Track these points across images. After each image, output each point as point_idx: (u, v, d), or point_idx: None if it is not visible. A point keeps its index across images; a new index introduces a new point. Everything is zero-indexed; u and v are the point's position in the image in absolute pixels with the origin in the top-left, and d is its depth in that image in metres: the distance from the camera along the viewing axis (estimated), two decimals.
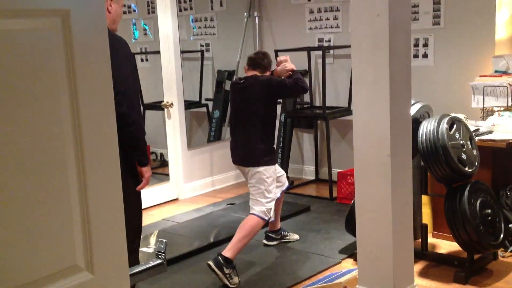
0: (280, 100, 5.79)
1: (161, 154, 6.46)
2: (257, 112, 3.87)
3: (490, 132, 4.14)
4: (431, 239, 4.22)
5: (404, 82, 3.00)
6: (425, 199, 4.28)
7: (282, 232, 4.38)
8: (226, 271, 3.63)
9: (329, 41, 5.97)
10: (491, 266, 3.80)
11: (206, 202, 5.66)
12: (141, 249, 3.59)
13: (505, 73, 4.57)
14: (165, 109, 5.72)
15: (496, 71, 4.64)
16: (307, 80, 5.90)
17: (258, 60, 4.00)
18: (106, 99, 1.27)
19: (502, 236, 3.70)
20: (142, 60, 6.72)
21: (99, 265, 1.26)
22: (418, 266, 3.80)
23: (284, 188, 4.17)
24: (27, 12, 1.13)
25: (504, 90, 4.37)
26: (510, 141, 3.93)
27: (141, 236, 3.19)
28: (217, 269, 3.61)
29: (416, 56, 5.24)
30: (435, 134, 3.61)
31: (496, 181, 4.09)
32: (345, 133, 5.97)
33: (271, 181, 3.87)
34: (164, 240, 1.86)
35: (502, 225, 3.75)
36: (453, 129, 3.69)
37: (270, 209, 3.87)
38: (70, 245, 1.21)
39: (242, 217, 4.21)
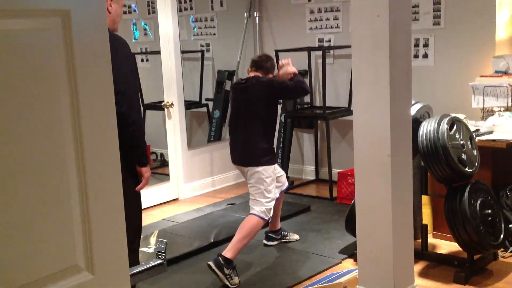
0: (281, 101, 5.79)
1: (161, 154, 6.47)
2: (258, 113, 3.87)
3: (490, 132, 4.14)
4: (431, 239, 4.23)
5: (404, 82, 3.00)
6: (425, 199, 4.29)
7: (282, 232, 4.39)
8: (226, 271, 3.63)
9: (329, 41, 5.97)
10: (491, 266, 3.80)
11: (206, 202, 5.66)
12: (141, 249, 3.59)
13: (505, 73, 4.57)
14: (165, 109, 5.72)
15: (496, 72, 4.64)
16: (307, 80, 5.91)
17: (261, 62, 4.02)
18: (107, 99, 1.27)
19: (502, 236, 3.70)
20: (142, 60, 6.72)
21: (99, 265, 1.26)
22: (418, 266, 3.80)
23: (283, 188, 4.17)
24: (27, 12, 1.13)
25: (504, 90, 4.37)
26: (510, 141, 3.93)
27: (141, 236, 3.19)
28: (217, 270, 3.62)
29: (416, 56, 5.24)
30: (435, 134, 3.61)
31: (496, 181, 4.09)
32: (345, 133, 5.97)
33: (270, 181, 3.87)
34: (164, 240, 1.86)
35: (502, 225, 3.75)
36: (453, 129, 3.69)
37: (270, 209, 3.87)
38: (70, 245, 1.21)
39: (242, 217, 4.21)
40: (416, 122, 3.69)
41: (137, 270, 1.76)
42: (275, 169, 3.98)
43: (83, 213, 1.23)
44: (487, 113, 4.48)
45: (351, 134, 3.20)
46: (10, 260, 1.11)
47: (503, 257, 3.91)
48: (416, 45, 5.24)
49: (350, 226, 3.99)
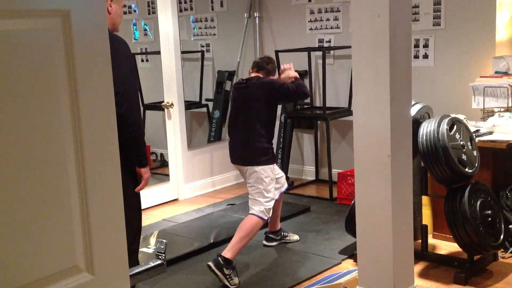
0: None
1: (161, 155, 6.46)
2: (258, 112, 3.87)
3: (490, 133, 4.14)
4: (431, 240, 4.23)
5: (404, 82, 3.00)
6: (425, 199, 4.28)
7: (282, 233, 4.38)
8: (226, 271, 3.63)
9: (330, 41, 5.97)
10: (491, 267, 3.80)
11: (206, 202, 5.66)
12: (141, 249, 3.59)
13: (506, 74, 4.56)
14: (165, 110, 5.72)
15: (496, 72, 4.64)
16: (307, 81, 5.91)
17: (263, 64, 4.03)
18: (107, 100, 1.27)
19: (502, 237, 3.69)
20: (142, 60, 6.72)
21: (99, 266, 1.26)
22: (418, 267, 3.79)
23: (283, 189, 4.17)
24: (27, 12, 1.12)
25: (504, 91, 4.37)
26: (511, 142, 3.93)
27: (141, 237, 3.18)
28: (217, 270, 3.61)
29: (416, 57, 5.24)
30: (436, 134, 3.61)
31: (496, 182, 4.09)
32: (345, 133, 5.97)
33: (269, 180, 3.87)
34: (164, 241, 1.86)
35: (502, 226, 3.74)
36: (454, 130, 3.69)
37: (270, 209, 3.87)
38: (70, 246, 1.21)
39: (242, 217, 4.20)
40: (416, 123, 3.69)
41: (137, 270, 1.76)
42: (274, 169, 3.98)
43: (82, 214, 1.23)
44: (487, 113, 4.48)
45: (351, 135, 3.20)
46: (10, 261, 1.11)
47: (503, 257, 3.91)
48: (416, 46, 5.24)
49: (350, 227, 3.99)
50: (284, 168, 5.97)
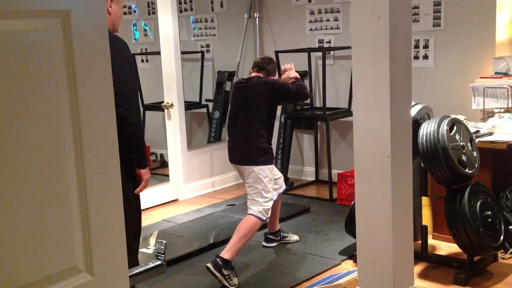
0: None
1: (161, 155, 6.46)
2: (258, 112, 3.87)
3: (490, 133, 4.14)
4: (431, 241, 4.23)
5: (404, 83, 3.00)
6: (425, 200, 4.28)
7: (282, 234, 4.38)
8: (225, 272, 3.62)
9: (330, 42, 5.97)
10: (491, 268, 3.80)
11: (206, 203, 5.66)
12: (140, 250, 3.58)
13: (506, 74, 4.56)
14: (165, 110, 5.72)
15: (496, 73, 4.64)
16: (307, 81, 5.91)
17: (264, 64, 4.04)
18: (106, 100, 1.27)
19: (502, 238, 3.69)
20: (142, 61, 6.72)
21: (98, 266, 1.26)
22: (418, 268, 3.79)
23: (281, 190, 4.16)
24: (27, 12, 1.12)
25: (504, 91, 4.37)
26: (510, 142, 3.93)
27: (141, 237, 3.18)
28: (216, 271, 3.61)
29: (416, 57, 5.24)
30: (435, 135, 3.61)
31: (496, 183, 4.09)
32: (345, 134, 5.97)
33: (267, 180, 3.87)
34: (164, 241, 1.86)
35: (502, 227, 3.74)
36: (453, 131, 3.69)
37: (268, 209, 3.87)
38: (69, 246, 1.21)
39: (242, 218, 4.19)
40: (416, 123, 3.69)
41: (137, 271, 1.76)
42: (273, 170, 3.98)
43: (82, 214, 1.23)
44: (487, 114, 4.48)
45: (351, 135, 3.19)
46: (9, 261, 1.11)
47: (503, 258, 3.91)
48: (416, 46, 5.24)
49: (350, 227, 3.99)
50: (284, 168, 5.97)
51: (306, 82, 5.88)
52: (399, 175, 3.00)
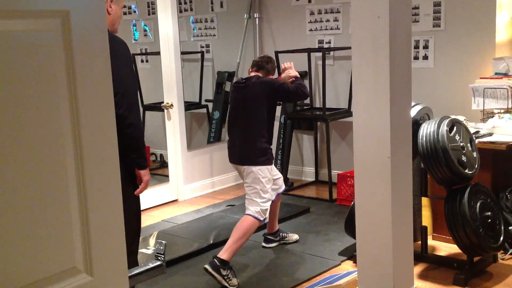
0: (280, 102, 5.78)
1: (161, 155, 6.46)
2: (257, 112, 3.87)
3: (490, 134, 4.14)
4: (430, 241, 4.22)
5: (404, 84, 3.00)
6: (425, 201, 4.28)
7: (281, 233, 4.38)
8: (224, 272, 3.62)
9: (330, 42, 5.97)
10: (491, 268, 3.80)
11: (206, 203, 5.66)
12: (140, 250, 3.58)
13: (506, 75, 4.56)
14: (165, 110, 5.72)
15: (496, 73, 4.64)
16: (307, 81, 5.91)
17: (263, 63, 4.03)
18: (106, 100, 1.27)
19: (502, 238, 3.69)
20: (142, 61, 6.72)
21: (98, 267, 1.26)
22: (417, 268, 3.79)
23: (280, 191, 4.16)
24: (27, 13, 1.12)
25: (504, 92, 4.36)
26: (510, 143, 3.93)
27: (140, 238, 3.18)
28: (214, 272, 3.60)
29: (416, 58, 5.24)
30: (435, 136, 3.61)
31: (496, 183, 4.09)
32: (345, 134, 5.97)
33: (266, 181, 3.87)
34: (164, 242, 1.86)
35: (502, 227, 3.74)
36: (453, 131, 3.69)
37: (266, 209, 3.86)
38: (69, 247, 1.21)
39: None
40: (416, 124, 3.69)
41: (136, 271, 1.76)
42: (272, 170, 3.98)
43: (82, 215, 1.22)
44: (487, 115, 4.48)
45: (351, 136, 3.19)
46: (9, 262, 1.11)
47: (503, 259, 3.91)
48: (416, 47, 5.24)
49: (350, 228, 3.99)
50: (284, 169, 5.97)
51: (306, 82, 5.88)
52: (399, 176, 3.00)
